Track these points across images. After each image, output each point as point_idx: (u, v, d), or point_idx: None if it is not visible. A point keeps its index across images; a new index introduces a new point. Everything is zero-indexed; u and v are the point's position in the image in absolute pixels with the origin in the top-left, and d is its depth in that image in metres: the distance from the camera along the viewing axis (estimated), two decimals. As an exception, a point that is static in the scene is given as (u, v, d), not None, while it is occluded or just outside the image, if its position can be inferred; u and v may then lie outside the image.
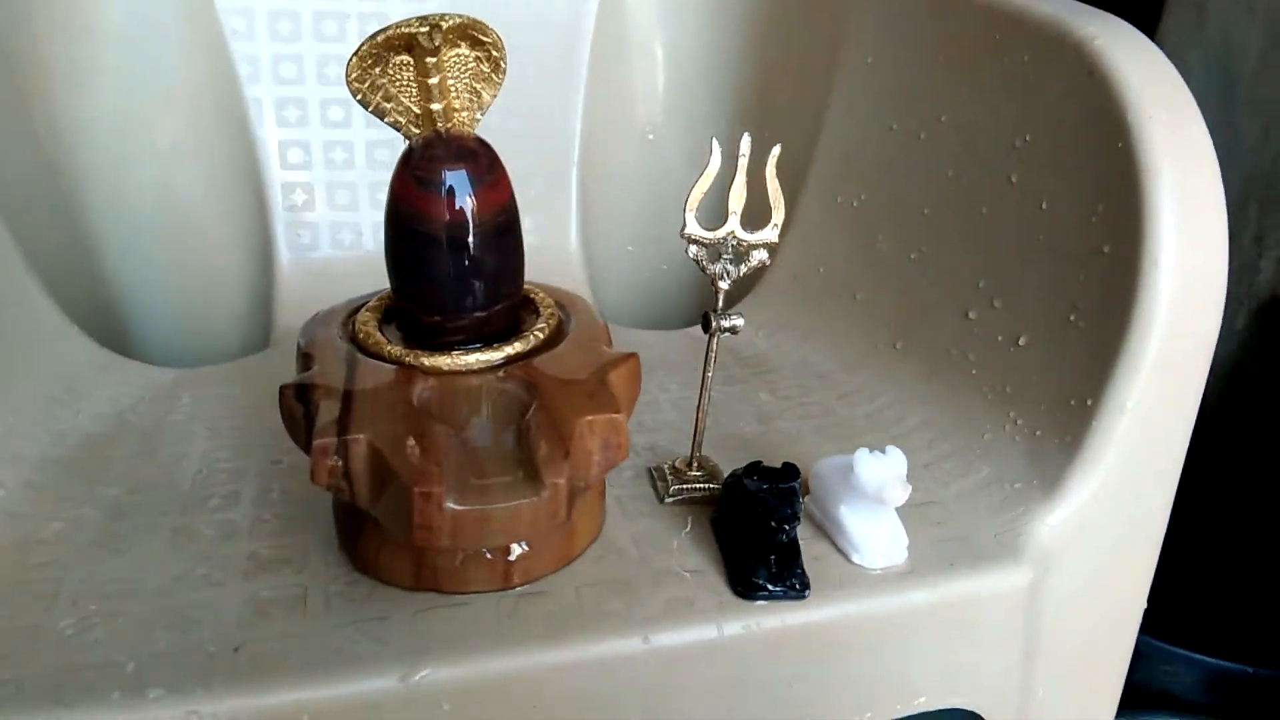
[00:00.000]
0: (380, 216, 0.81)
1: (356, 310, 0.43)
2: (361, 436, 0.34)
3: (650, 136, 0.85)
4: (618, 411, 0.36)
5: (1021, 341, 0.51)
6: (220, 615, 0.40)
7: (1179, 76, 0.47)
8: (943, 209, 0.58)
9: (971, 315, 0.55)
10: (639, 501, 0.48)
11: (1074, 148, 0.49)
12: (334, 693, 0.37)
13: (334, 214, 0.80)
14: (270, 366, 0.68)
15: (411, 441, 0.33)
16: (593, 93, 0.82)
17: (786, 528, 0.41)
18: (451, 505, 0.32)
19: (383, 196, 0.81)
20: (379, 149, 0.80)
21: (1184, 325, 0.45)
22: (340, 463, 0.34)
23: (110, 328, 0.74)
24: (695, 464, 0.49)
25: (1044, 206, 0.51)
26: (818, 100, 0.70)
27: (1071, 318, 0.48)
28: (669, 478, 0.49)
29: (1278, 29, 0.92)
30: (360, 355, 0.39)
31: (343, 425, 0.34)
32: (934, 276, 0.59)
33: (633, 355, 0.40)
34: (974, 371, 0.54)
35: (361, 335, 0.40)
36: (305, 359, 0.39)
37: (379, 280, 0.90)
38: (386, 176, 0.80)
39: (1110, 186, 0.47)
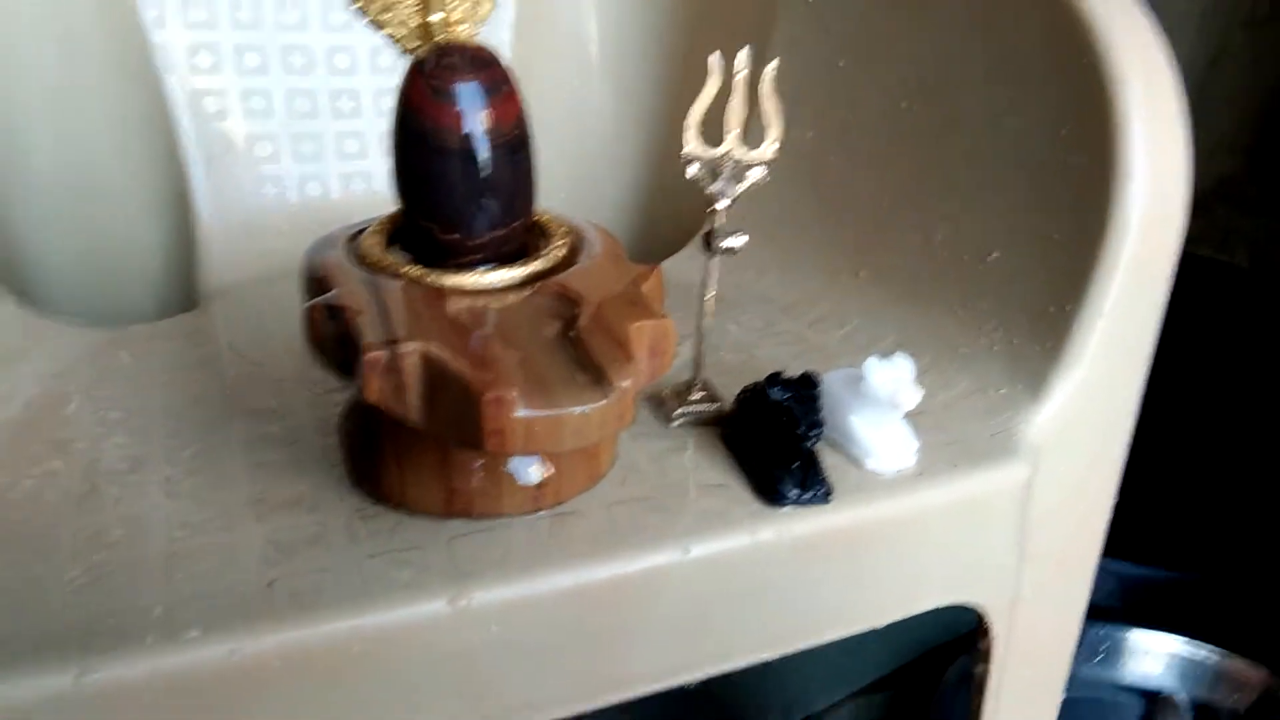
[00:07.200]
0: (305, 168, 0.79)
1: (355, 236, 0.41)
2: (414, 346, 0.32)
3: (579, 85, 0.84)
4: (664, 318, 0.36)
5: (991, 258, 0.54)
6: (239, 557, 0.38)
7: (1133, -2, 0.50)
8: (897, 139, 0.60)
9: (936, 238, 0.57)
10: (643, 425, 0.48)
11: (1036, 69, 0.51)
12: (382, 619, 0.36)
13: (256, 167, 0.76)
14: (207, 323, 0.64)
15: (471, 349, 0.32)
16: (522, 34, 0.81)
17: (814, 434, 0.41)
18: (523, 411, 0.31)
19: (306, 148, 0.78)
20: (298, 98, 0.76)
21: (1153, 230, 0.48)
22: (393, 376, 0.32)
23: (13, 287, 0.68)
24: (697, 386, 0.49)
25: (1006, 127, 0.53)
26: (757, 43, 0.71)
27: (1044, 230, 0.51)
28: (670, 401, 0.49)
29: None
30: (380, 278, 0.37)
31: (392, 337, 0.33)
32: (891, 205, 0.60)
33: (658, 266, 0.40)
34: (943, 290, 0.56)
35: (373, 259, 0.39)
36: (319, 283, 0.37)
37: (306, 236, 0.85)
38: (311, 127, 0.78)
39: (1078, 103, 0.49)
